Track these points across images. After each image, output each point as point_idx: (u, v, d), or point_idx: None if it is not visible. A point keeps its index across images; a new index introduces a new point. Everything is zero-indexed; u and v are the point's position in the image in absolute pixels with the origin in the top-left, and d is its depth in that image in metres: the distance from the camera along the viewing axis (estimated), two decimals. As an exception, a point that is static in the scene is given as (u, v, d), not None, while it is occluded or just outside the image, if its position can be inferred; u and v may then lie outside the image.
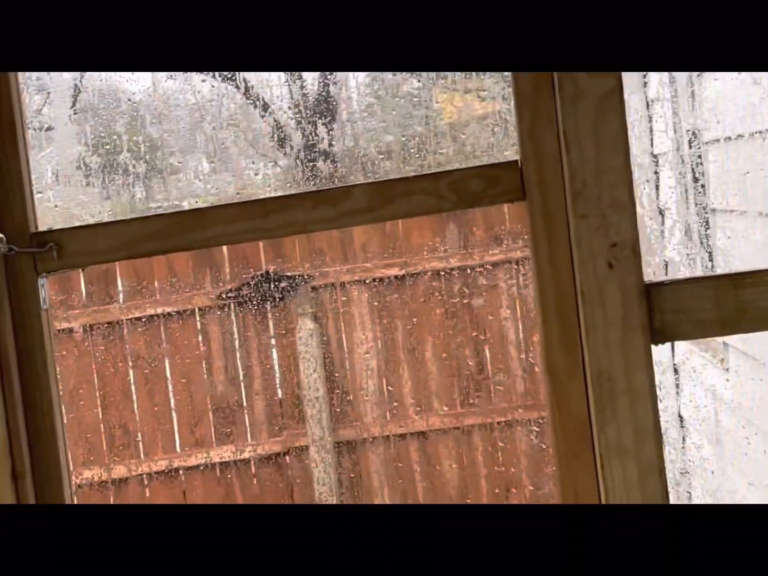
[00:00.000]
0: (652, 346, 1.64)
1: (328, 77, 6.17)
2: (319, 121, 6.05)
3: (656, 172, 5.59)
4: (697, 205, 5.07)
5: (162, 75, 6.24)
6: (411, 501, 5.64)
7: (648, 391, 1.63)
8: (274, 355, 5.73)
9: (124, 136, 6.03)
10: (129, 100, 6.26)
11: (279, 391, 5.72)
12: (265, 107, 6.25)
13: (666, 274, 5.34)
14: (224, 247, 5.44)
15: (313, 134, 6.05)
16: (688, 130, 5.06)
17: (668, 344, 4.21)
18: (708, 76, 4.74)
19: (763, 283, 1.65)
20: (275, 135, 6.25)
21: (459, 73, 6.13)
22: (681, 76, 5.06)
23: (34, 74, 5.98)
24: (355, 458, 5.67)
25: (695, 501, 5.37)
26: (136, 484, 5.66)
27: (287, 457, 5.67)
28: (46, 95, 6.07)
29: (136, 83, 6.39)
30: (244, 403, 5.70)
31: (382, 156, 5.94)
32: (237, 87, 6.21)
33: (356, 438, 5.66)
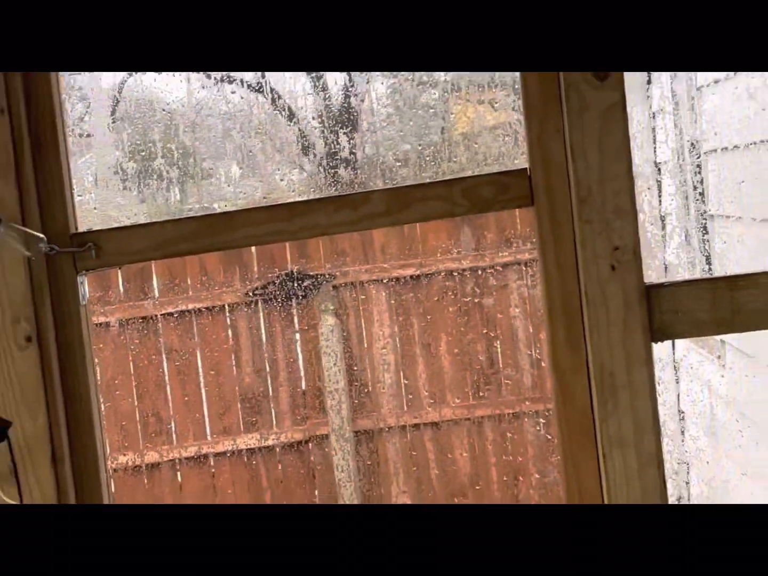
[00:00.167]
0: (652, 344, 1.64)
1: (350, 89, 6.17)
2: (341, 130, 6.05)
3: (658, 180, 5.58)
4: (695, 212, 5.06)
5: (195, 86, 6.24)
6: (425, 487, 5.63)
7: (647, 386, 1.63)
8: (298, 349, 5.73)
9: (159, 143, 6.04)
10: (163, 109, 6.27)
11: (302, 383, 5.73)
12: (291, 116, 6.26)
13: (666, 277, 5.33)
14: (252, 248, 5.43)
15: (336, 143, 6.05)
16: (688, 141, 5.05)
17: (669, 342, 4.21)
18: (707, 90, 4.73)
19: (756, 285, 1.65)
20: (300, 143, 6.25)
21: (471, 82, 6.12)
22: (682, 91, 5.05)
23: (76, 84, 6.00)
24: (373, 447, 5.67)
25: (692, 490, 5.36)
26: (167, 469, 5.67)
27: (309, 445, 5.67)
28: (87, 104, 6.08)
29: (170, 94, 6.40)
30: (270, 394, 5.70)
31: (400, 163, 5.94)
32: (265, 97, 6.22)
33: (373, 428, 5.66)
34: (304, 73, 6.19)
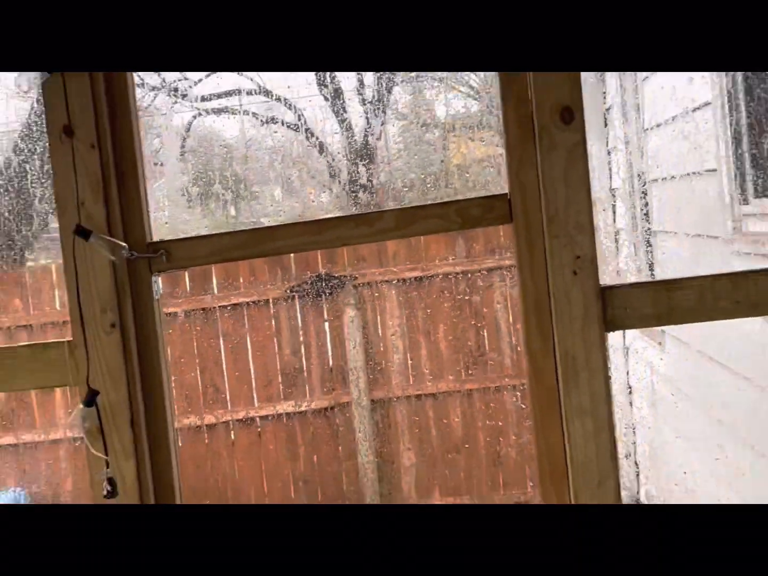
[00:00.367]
0: (606, 334, 1.63)
1: (368, 130, 6.16)
2: (361, 162, 6.06)
3: (612, 203, 5.56)
4: (641, 228, 5.04)
5: (247, 126, 6.24)
6: (425, 445, 5.62)
7: (602, 367, 1.62)
8: (326, 335, 5.73)
9: (217, 171, 6.05)
10: (221, 144, 6.27)
11: (329, 362, 5.73)
12: (322, 151, 6.26)
13: (617, 280, 5.31)
14: (290, 255, 5.44)
15: (356, 172, 6.05)
16: (636, 172, 5.04)
17: (620, 332, 4.21)
18: (651, 132, 4.71)
19: (689, 287, 1.64)
20: (329, 172, 6.25)
21: (464, 124, 6.10)
22: (631, 132, 5.03)
23: (154, 124, 6.00)
24: (384, 412, 5.66)
25: (638, 449, 5.34)
26: (222, 429, 5.68)
27: (334, 411, 5.67)
28: (161, 140, 6.09)
29: (227, 132, 6.40)
30: (303, 370, 5.70)
31: (407, 189, 5.95)
32: (302, 135, 6.21)
33: (385, 397, 5.65)
34: (334, 116, 6.19)
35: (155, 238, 1.75)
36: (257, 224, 5.98)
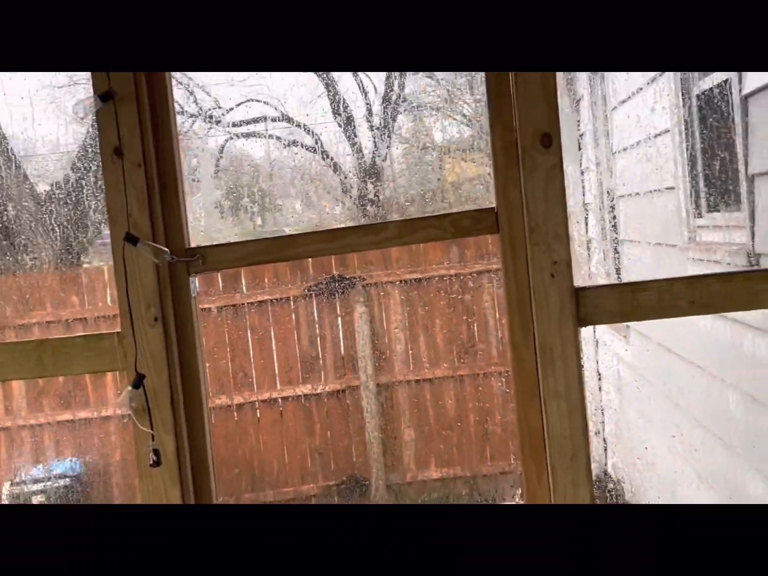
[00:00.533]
0: (579, 328, 1.63)
1: (376, 152, 6.16)
2: (369, 180, 6.05)
3: (585, 216, 5.55)
4: (610, 238, 5.03)
5: (272, 148, 6.24)
6: (423, 423, 5.61)
7: (575, 356, 1.62)
8: (339, 328, 5.72)
9: (246, 187, 6.05)
10: (249, 164, 6.27)
11: (341, 351, 5.71)
12: (336, 169, 6.25)
13: (589, 282, 5.30)
14: (309, 259, 5.43)
15: (365, 188, 6.04)
16: (606, 190, 5.03)
17: (591, 327, 4.20)
18: (618, 155, 4.70)
19: (650, 289, 1.63)
20: (342, 188, 6.25)
21: (458, 147, 6.09)
22: (602, 155, 5.02)
23: (193, 145, 6.01)
24: (388, 395, 5.65)
25: (606, 428, 5.33)
26: (249, 408, 5.67)
27: (345, 393, 5.65)
28: (198, 160, 6.09)
29: (255, 153, 6.39)
30: (319, 358, 5.69)
31: (409, 203, 5.94)
32: (318, 156, 6.21)
33: (389, 382, 5.64)
34: (346, 140, 6.18)
35: (193, 245, 1.75)
36: (280, 233, 5.97)
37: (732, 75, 2.78)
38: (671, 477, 3.96)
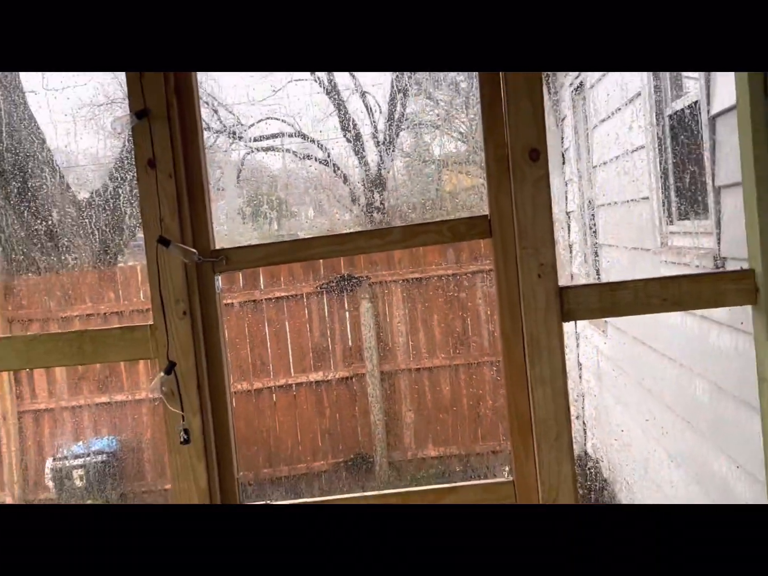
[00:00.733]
0: (563, 323, 1.63)
1: (381, 165, 6.16)
2: (375, 189, 6.05)
3: (568, 223, 5.54)
4: (591, 242, 5.03)
5: (288, 161, 6.25)
6: (422, 407, 5.62)
7: (559, 348, 1.62)
8: (347, 322, 5.73)
9: (265, 195, 6.05)
10: (268, 175, 6.27)
11: (349, 342, 5.72)
12: (345, 180, 6.25)
13: (572, 282, 5.30)
14: (321, 260, 5.43)
15: (372, 197, 6.05)
16: (587, 199, 5.02)
17: (573, 322, 4.20)
18: (599, 168, 4.70)
19: (627, 288, 1.63)
20: (350, 197, 6.25)
21: (455, 161, 6.08)
22: (583, 168, 5.02)
23: (216, 158, 6.01)
24: (391, 382, 5.65)
25: (586, 412, 5.33)
26: (267, 393, 5.68)
27: (353, 380, 5.66)
28: (222, 171, 6.09)
29: (273, 165, 6.38)
30: (329, 348, 5.70)
31: (410, 210, 5.94)
32: (329, 168, 6.22)
33: (392, 370, 5.64)
34: (354, 154, 6.19)
35: (217, 247, 1.75)
36: (295, 237, 5.99)
37: (701, 97, 2.77)
38: (645, 456, 3.96)
